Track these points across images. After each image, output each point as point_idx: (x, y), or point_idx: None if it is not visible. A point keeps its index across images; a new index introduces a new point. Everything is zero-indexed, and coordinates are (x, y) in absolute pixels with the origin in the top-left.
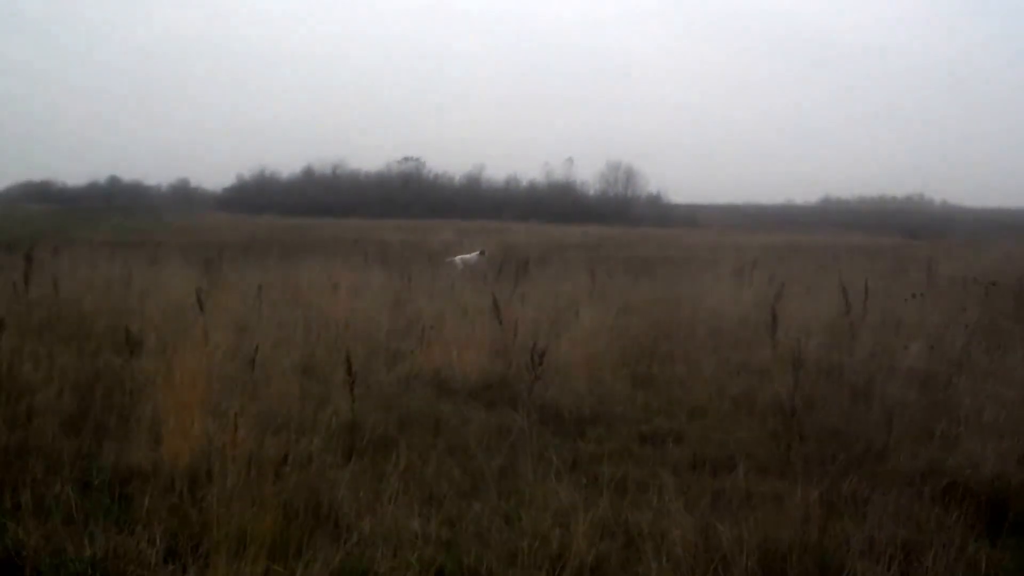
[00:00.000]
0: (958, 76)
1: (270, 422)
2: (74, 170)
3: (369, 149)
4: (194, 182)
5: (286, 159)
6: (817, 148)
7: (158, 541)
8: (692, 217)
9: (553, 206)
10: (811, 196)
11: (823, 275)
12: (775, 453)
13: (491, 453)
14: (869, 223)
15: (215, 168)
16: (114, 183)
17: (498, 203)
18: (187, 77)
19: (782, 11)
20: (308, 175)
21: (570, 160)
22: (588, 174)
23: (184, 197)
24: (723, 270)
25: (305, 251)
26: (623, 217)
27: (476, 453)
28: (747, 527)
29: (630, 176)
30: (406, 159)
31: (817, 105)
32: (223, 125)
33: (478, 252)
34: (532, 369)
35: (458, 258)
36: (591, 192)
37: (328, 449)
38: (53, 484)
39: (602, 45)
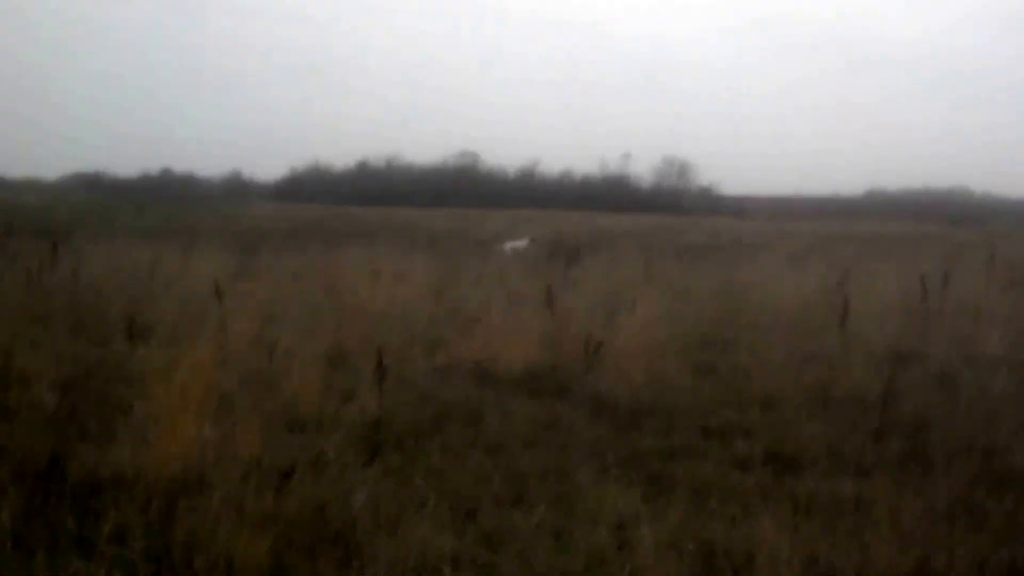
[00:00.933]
0: (996, 73)
1: (285, 420)
2: (127, 162)
3: (424, 144)
4: (247, 174)
5: (341, 153)
6: (862, 141)
7: (121, 570)
8: (740, 207)
9: (606, 198)
10: (856, 188)
11: (879, 261)
12: (859, 449)
13: (537, 451)
14: (914, 213)
15: (269, 161)
16: (166, 174)
17: (552, 195)
18: (241, 71)
19: (827, 10)
20: (362, 168)
21: (627, 155)
22: (643, 168)
23: (237, 188)
24: (777, 256)
25: (351, 238)
26: (674, 208)
27: (519, 452)
28: (853, 547)
29: (684, 170)
30: (462, 153)
31: (862, 100)
32: (277, 118)
33: (528, 239)
34: (586, 359)
35: (507, 244)
36: (645, 185)
37: (349, 450)
38: (5, 496)
39: (652, 37)
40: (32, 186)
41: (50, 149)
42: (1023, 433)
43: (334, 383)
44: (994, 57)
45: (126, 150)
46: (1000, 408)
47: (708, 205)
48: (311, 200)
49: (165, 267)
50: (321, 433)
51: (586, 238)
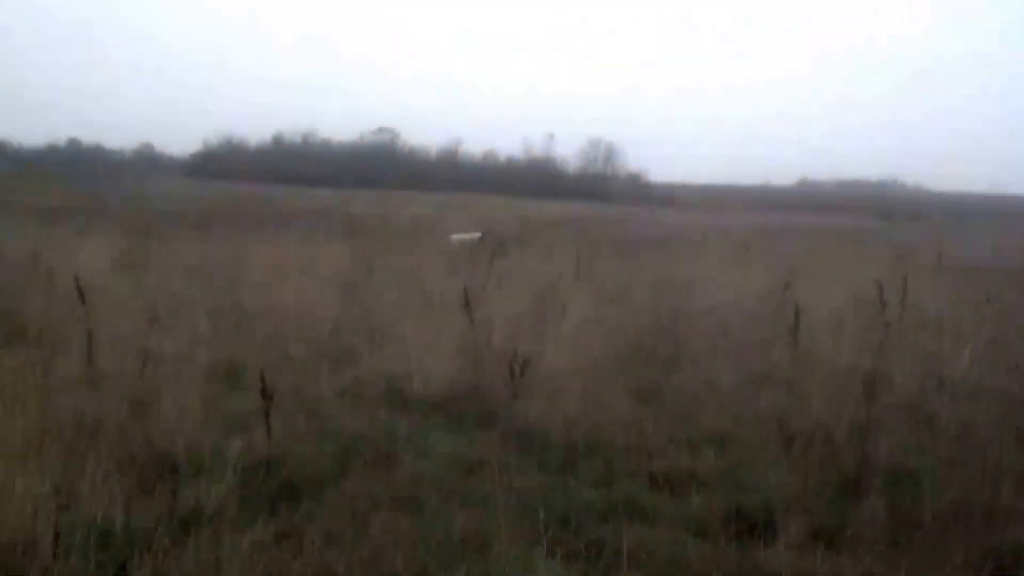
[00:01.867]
0: (931, 67)
1: (154, 461)
2: (32, 131)
3: (341, 117)
4: (159, 147)
5: (255, 126)
6: (795, 132)
7: None
8: (670, 196)
9: (531, 181)
10: (788, 178)
11: (821, 260)
12: (834, 508)
13: (456, 507)
14: (846, 206)
15: (181, 133)
16: (74, 145)
17: (475, 177)
18: (152, 37)
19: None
20: (278, 143)
21: (551, 135)
22: (568, 150)
23: (148, 162)
24: (714, 253)
25: (263, 223)
26: (601, 194)
27: (436, 508)
28: None
29: (611, 154)
30: (380, 129)
31: (796, 91)
32: (190, 90)
33: (478, 234)
34: (512, 383)
35: (455, 236)
36: (570, 169)
37: (230, 504)
38: None
39: (579, 19)
40: None
41: None
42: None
43: (221, 408)
44: (928, 51)
45: (31, 118)
46: (989, 454)
47: (637, 193)
48: (225, 177)
49: (56, 253)
50: (198, 479)
51: (514, 228)
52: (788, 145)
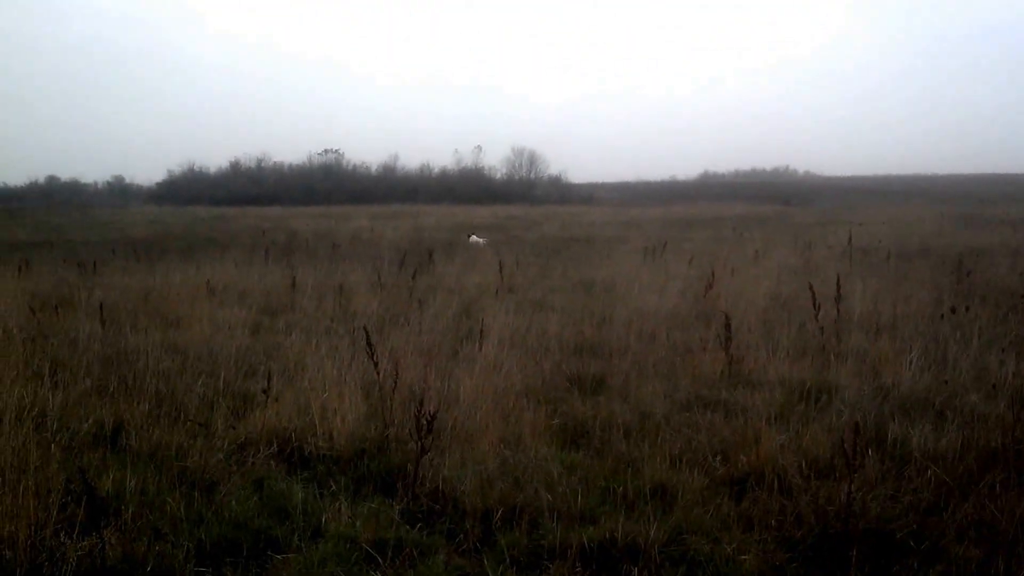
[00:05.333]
0: (816, 59)
1: None
2: (15, 168)
3: (291, 142)
4: (128, 178)
5: (215, 154)
6: (695, 129)
7: None
8: (589, 195)
9: (464, 190)
10: (691, 172)
11: (735, 250)
12: None
13: None
14: (745, 193)
15: (150, 165)
16: (52, 182)
17: (412, 189)
18: (119, 78)
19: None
20: (235, 168)
21: (479, 147)
22: (495, 159)
23: (119, 193)
24: (632, 249)
25: (208, 244)
26: (527, 197)
27: None
28: None
29: (533, 160)
30: (326, 151)
31: (693, 90)
32: (155, 124)
33: (484, 240)
34: (418, 438)
35: (472, 238)
36: (498, 176)
37: None
38: None
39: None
40: None
41: None
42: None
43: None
44: (813, 43)
45: (12, 159)
46: (961, 502)
47: (559, 193)
48: (189, 202)
49: None
50: None
51: (444, 233)
52: (689, 142)
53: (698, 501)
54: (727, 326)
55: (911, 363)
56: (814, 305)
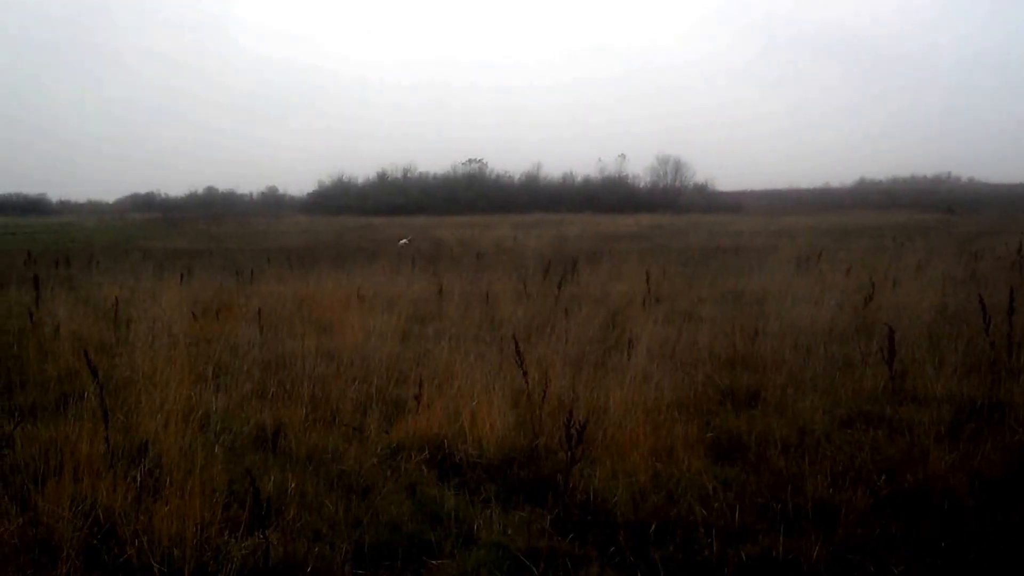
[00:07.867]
0: (979, 61)
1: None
2: (177, 181)
3: (437, 153)
4: (281, 189)
5: (362, 164)
6: (851, 133)
7: None
8: (737, 203)
9: (607, 199)
10: (847, 179)
11: (895, 261)
12: None
13: None
14: (904, 201)
15: (300, 175)
16: (211, 192)
17: (555, 198)
18: (277, 96)
19: (806, 9)
20: (382, 179)
21: (622, 156)
22: (639, 168)
23: (272, 203)
24: (783, 259)
25: (358, 254)
26: (672, 206)
27: None
28: None
29: (678, 168)
30: (470, 160)
31: (848, 93)
32: (306, 136)
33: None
34: (569, 448)
35: (401, 242)
36: (642, 184)
37: None
38: None
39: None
40: (96, 208)
41: (109, 173)
42: None
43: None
44: (979, 47)
45: (175, 171)
46: None
47: (705, 202)
48: (338, 212)
49: (142, 299)
50: None
51: (588, 242)
52: (845, 147)
53: (862, 520)
54: (890, 339)
55: None
56: (984, 318)
